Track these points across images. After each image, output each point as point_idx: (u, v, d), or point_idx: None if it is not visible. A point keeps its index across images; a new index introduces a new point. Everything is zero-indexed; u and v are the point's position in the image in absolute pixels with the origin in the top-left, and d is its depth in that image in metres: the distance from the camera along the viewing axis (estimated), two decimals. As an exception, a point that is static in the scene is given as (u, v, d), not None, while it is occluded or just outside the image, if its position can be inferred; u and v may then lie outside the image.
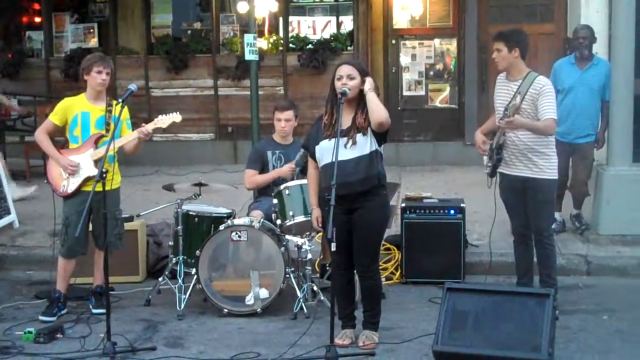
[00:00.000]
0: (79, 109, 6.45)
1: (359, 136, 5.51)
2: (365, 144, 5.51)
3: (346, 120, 5.58)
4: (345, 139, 5.49)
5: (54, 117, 6.48)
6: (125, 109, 6.31)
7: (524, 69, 6.23)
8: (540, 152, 6.14)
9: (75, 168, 6.39)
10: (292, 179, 6.74)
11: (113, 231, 6.52)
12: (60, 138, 7.15)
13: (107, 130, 6.39)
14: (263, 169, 7.04)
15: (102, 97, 6.53)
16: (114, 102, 6.53)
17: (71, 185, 6.43)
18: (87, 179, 6.36)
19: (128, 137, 6.46)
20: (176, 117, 6.56)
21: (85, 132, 6.44)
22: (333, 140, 5.43)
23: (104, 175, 5.68)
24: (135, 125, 6.68)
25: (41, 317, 6.34)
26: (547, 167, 6.18)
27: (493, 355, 5.05)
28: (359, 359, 5.50)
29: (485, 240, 7.10)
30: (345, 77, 5.54)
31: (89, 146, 6.43)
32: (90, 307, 6.58)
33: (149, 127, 6.45)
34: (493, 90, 6.55)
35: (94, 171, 6.24)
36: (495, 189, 6.40)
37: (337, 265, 5.68)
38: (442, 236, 7.14)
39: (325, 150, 5.51)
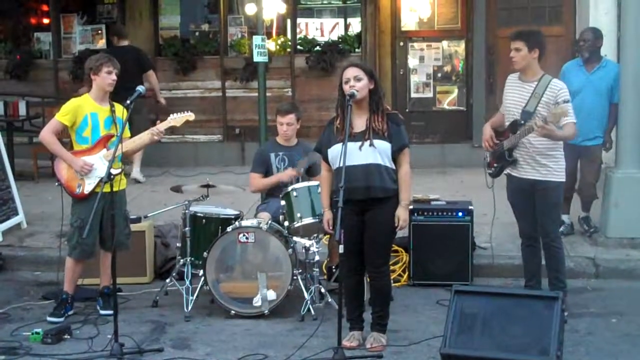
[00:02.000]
0: (88, 109, 6.44)
1: (376, 141, 5.52)
2: (383, 151, 5.52)
3: (359, 123, 5.60)
4: (359, 142, 5.50)
5: (64, 118, 6.42)
6: (125, 110, 6.29)
7: (538, 71, 6.20)
8: (548, 155, 6.13)
9: (90, 169, 6.38)
10: (298, 182, 6.75)
11: (124, 231, 6.53)
12: (66, 139, 7.14)
13: (116, 131, 6.40)
14: (267, 172, 7.05)
15: (106, 98, 6.53)
16: (115, 103, 6.54)
17: (87, 186, 6.40)
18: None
19: (142, 137, 6.46)
20: (189, 115, 6.58)
21: (95, 133, 6.43)
22: (347, 143, 5.43)
23: (115, 175, 5.68)
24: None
25: (49, 318, 6.35)
26: (555, 170, 6.16)
27: (501, 358, 5.03)
28: (367, 361, 5.51)
29: (493, 243, 7.08)
30: (352, 79, 5.55)
31: (101, 147, 6.42)
32: (98, 308, 6.59)
33: (161, 126, 6.46)
34: (501, 93, 6.53)
35: (114, 171, 6.07)
36: (494, 190, 6.41)
37: (348, 268, 5.68)
38: (450, 238, 7.12)
39: (338, 154, 5.47)
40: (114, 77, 6.45)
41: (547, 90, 6.05)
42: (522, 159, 6.21)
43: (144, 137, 6.47)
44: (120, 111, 6.48)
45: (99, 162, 6.38)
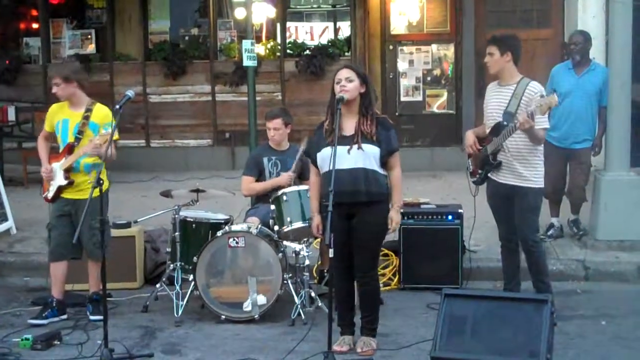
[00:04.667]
0: (61, 116, 6.51)
1: (365, 145, 5.52)
2: (371, 155, 5.51)
3: (349, 126, 5.59)
4: (348, 146, 5.50)
5: (45, 124, 6.61)
6: (108, 114, 6.27)
7: (516, 74, 6.22)
8: (526, 160, 6.12)
9: (48, 175, 6.46)
10: (290, 186, 6.75)
11: (91, 239, 6.41)
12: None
13: (78, 140, 6.38)
14: (260, 176, 7.04)
15: (80, 103, 6.49)
16: (94, 105, 6.49)
17: (49, 192, 6.54)
18: (59, 188, 6.43)
19: (84, 148, 6.30)
20: (108, 134, 5.99)
21: (64, 139, 6.49)
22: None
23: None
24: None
25: (30, 321, 6.38)
26: (532, 176, 6.14)
27: (491, 362, 5.04)
28: (357, 365, 5.51)
29: (483, 246, 7.09)
30: (344, 79, 5.56)
31: (62, 156, 6.45)
32: (88, 313, 6.56)
33: (95, 139, 6.23)
34: (491, 96, 6.53)
35: (63, 181, 6.38)
36: (482, 193, 6.43)
37: (338, 273, 5.68)
38: (440, 242, 7.12)
39: (327, 158, 5.49)
40: (53, 86, 6.48)
41: (525, 92, 6.07)
42: (503, 164, 6.21)
43: (85, 148, 6.32)
44: (100, 116, 6.41)
45: (58, 170, 6.46)
